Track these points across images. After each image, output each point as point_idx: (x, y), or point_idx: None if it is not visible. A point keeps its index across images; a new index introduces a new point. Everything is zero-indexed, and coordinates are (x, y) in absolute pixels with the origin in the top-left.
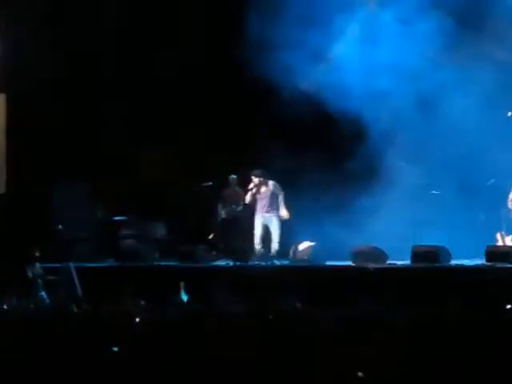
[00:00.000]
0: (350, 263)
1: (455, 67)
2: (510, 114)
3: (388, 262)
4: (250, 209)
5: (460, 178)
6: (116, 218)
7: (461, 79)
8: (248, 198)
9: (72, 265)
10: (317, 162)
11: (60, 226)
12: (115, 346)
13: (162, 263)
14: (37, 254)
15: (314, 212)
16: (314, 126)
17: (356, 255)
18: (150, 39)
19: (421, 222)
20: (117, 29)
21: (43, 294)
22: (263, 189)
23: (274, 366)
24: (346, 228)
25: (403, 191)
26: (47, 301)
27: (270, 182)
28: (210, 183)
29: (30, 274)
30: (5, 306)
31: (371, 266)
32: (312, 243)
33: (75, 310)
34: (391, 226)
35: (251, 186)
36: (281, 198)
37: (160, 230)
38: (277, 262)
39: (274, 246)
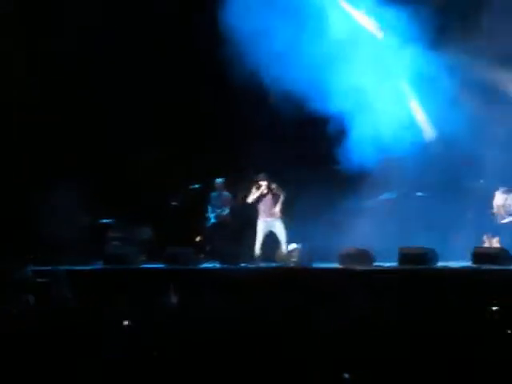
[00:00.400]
0: (337, 265)
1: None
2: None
3: (375, 263)
4: (252, 211)
5: (447, 180)
6: (103, 221)
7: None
8: (251, 200)
9: (61, 268)
10: (303, 164)
11: (49, 230)
12: (104, 349)
13: (149, 266)
14: (26, 257)
15: (301, 214)
16: (301, 126)
17: (343, 257)
18: (131, 41)
19: (408, 223)
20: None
21: (31, 297)
22: (268, 192)
23: (265, 366)
24: (333, 230)
25: (391, 193)
26: (33, 304)
27: (274, 186)
28: (197, 186)
29: (17, 277)
30: None
31: (358, 267)
32: (299, 245)
33: (64, 312)
34: (378, 228)
35: (257, 186)
36: (281, 199)
37: (146, 233)
38: (263, 265)
39: (283, 247)
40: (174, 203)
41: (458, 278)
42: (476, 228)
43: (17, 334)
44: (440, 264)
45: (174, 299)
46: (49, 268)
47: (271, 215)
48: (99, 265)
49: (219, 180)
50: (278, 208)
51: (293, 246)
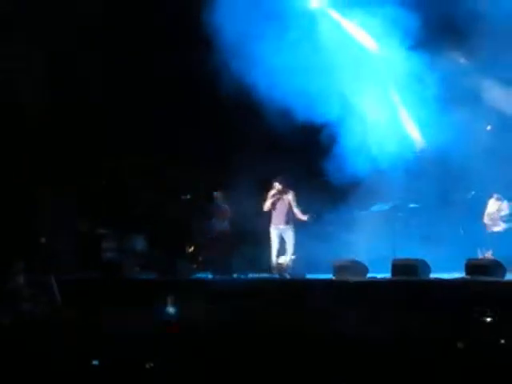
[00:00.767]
0: (330, 276)
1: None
2: (489, 127)
3: (368, 275)
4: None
5: (439, 192)
6: (98, 231)
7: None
8: (267, 204)
9: (53, 277)
10: (296, 175)
11: (43, 239)
12: (96, 358)
13: (143, 276)
14: (20, 266)
15: (294, 225)
16: (293, 137)
17: (337, 268)
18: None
19: (401, 235)
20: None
21: (26, 305)
22: (284, 197)
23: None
24: (326, 241)
25: (383, 204)
26: (31, 313)
27: (291, 191)
28: (189, 196)
29: (11, 287)
30: None
31: (351, 279)
32: (292, 256)
33: (56, 321)
34: (372, 240)
35: (273, 192)
36: (295, 204)
37: (140, 243)
38: (256, 275)
39: (289, 258)
40: (167, 213)
41: (451, 290)
42: (469, 239)
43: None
44: (432, 276)
45: (170, 310)
46: (40, 277)
47: (284, 222)
48: (93, 274)
49: (217, 193)
50: (301, 214)
51: (286, 257)
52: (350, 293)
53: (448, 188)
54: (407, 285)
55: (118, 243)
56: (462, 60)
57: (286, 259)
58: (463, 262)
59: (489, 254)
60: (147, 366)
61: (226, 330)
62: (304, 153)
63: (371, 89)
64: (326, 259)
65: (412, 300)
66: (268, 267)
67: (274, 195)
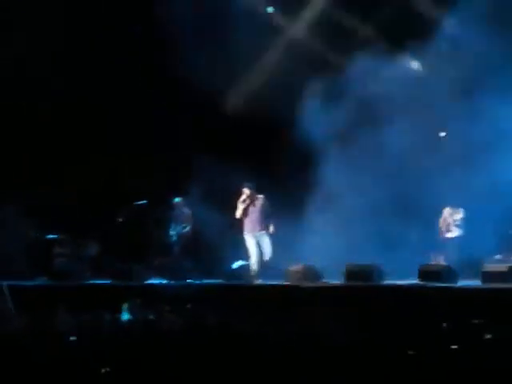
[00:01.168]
0: (283, 282)
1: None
2: (442, 134)
3: (322, 280)
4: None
5: (394, 197)
6: (49, 237)
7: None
8: (239, 211)
9: (5, 283)
10: (251, 180)
11: None
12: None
13: (95, 281)
14: None
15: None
16: (249, 140)
17: (290, 274)
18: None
19: (355, 240)
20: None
21: None
22: (255, 202)
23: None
24: (279, 247)
25: (338, 209)
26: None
27: (261, 197)
28: (145, 201)
29: None
30: None
31: (305, 284)
32: (244, 262)
33: (8, 328)
34: (325, 245)
35: (244, 197)
36: (269, 213)
37: (93, 249)
38: (210, 281)
39: (265, 263)
40: (119, 219)
41: (404, 295)
42: (423, 245)
43: None
44: (386, 281)
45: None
46: None
47: (259, 228)
48: (44, 280)
49: (177, 199)
50: (272, 227)
51: (240, 262)
52: (302, 298)
53: (403, 194)
54: (360, 290)
55: (72, 249)
56: None
57: (238, 264)
58: (416, 268)
59: (441, 260)
60: (103, 370)
61: (178, 335)
62: (261, 156)
63: None
64: (278, 265)
65: (365, 306)
66: (229, 273)
67: (244, 201)
